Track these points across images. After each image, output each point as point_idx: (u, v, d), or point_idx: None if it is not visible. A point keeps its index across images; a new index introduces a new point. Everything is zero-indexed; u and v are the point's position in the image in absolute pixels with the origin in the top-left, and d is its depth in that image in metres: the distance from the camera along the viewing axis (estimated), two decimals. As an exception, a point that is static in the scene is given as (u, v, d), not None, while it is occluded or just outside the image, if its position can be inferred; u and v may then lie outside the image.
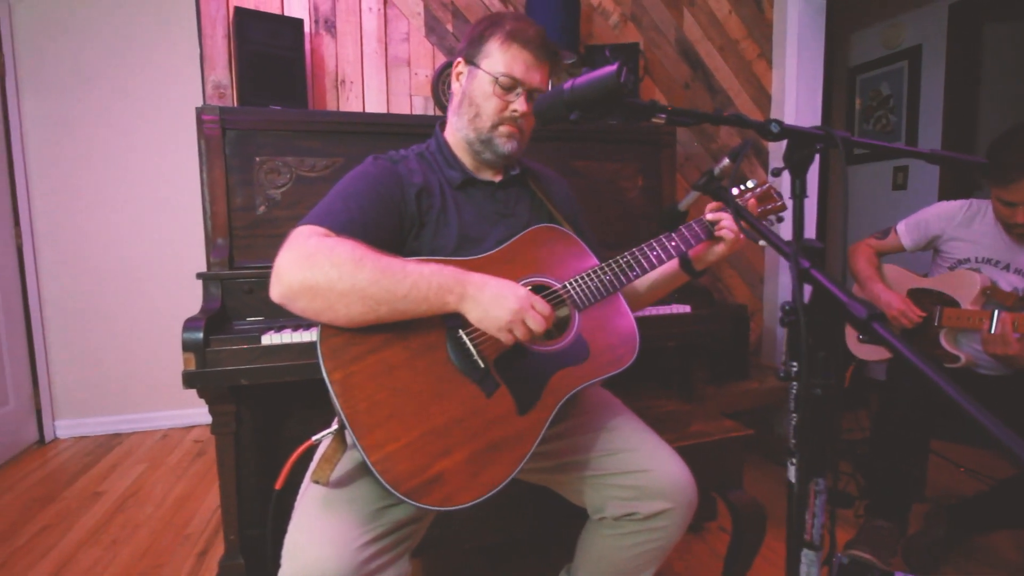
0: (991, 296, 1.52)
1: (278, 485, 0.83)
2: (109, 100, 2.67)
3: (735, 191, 1.10)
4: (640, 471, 0.98)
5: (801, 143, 0.79)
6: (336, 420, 0.88)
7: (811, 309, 0.54)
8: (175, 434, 2.83)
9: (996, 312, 1.43)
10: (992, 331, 1.42)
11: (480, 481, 0.82)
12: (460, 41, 1.10)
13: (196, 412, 2.91)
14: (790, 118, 2.46)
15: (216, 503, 2.10)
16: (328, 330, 0.82)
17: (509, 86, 0.99)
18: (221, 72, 1.94)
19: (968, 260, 1.59)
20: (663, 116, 0.83)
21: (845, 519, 1.83)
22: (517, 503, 1.24)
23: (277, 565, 0.78)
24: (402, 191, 0.98)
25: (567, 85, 0.85)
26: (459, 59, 1.06)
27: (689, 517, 0.99)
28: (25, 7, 2.55)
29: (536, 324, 0.84)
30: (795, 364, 0.66)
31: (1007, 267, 1.54)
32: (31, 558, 1.76)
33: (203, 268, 2.72)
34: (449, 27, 2.11)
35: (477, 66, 1.01)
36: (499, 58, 0.99)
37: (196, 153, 2.72)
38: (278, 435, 1.67)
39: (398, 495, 0.77)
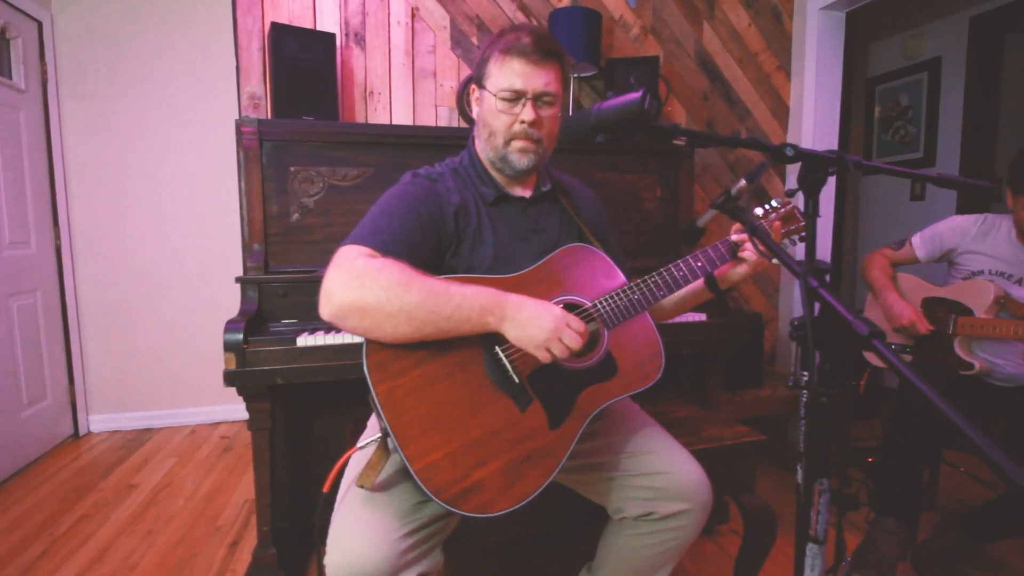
0: (1004, 305, 1.55)
1: (326, 488, 0.89)
2: (146, 107, 2.78)
3: (760, 211, 1.12)
4: (659, 473, 1.03)
5: (814, 166, 0.84)
6: (377, 427, 0.93)
7: (819, 324, 0.59)
8: (202, 430, 2.93)
9: None
10: None
11: (514, 492, 0.87)
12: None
13: (222, 409, 3.01)
14: (808, 130, 2.49)
15: (244, 497, 2.18)
16: (373, 345, 0.87)
17: (512, 98, 1.01)
18: (256, 83, 2.02)
19: (982, 272, 1.62)
20: (684, 139, 0.89)
21: (855, 524, 1.86)
22: (540, 502, 1.29)
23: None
24: (441, 210, 1.02)
25: (594, 109, 0.90)
26: (473, 85, 1.10)
27: (705, 518, 1.04)
28: (66, 18, 2.67)
29: (572, 342, 0.89)
30: (805, 374, 0.72)
31: (1020, 281, 1.56)
32: (71, 546, 1.85)
33: (234, 271, 2.84)
34: (474, 40, 2.18)
35: (484, 87, 1.05)
36: (498, 74, 1.02)
37: (228, 159, 2.84)
38: (307, 433, 1.75)
39: (438, 502, 0.82)
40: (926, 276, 1.79)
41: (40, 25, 2.58)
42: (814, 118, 2.48)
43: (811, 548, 0.62)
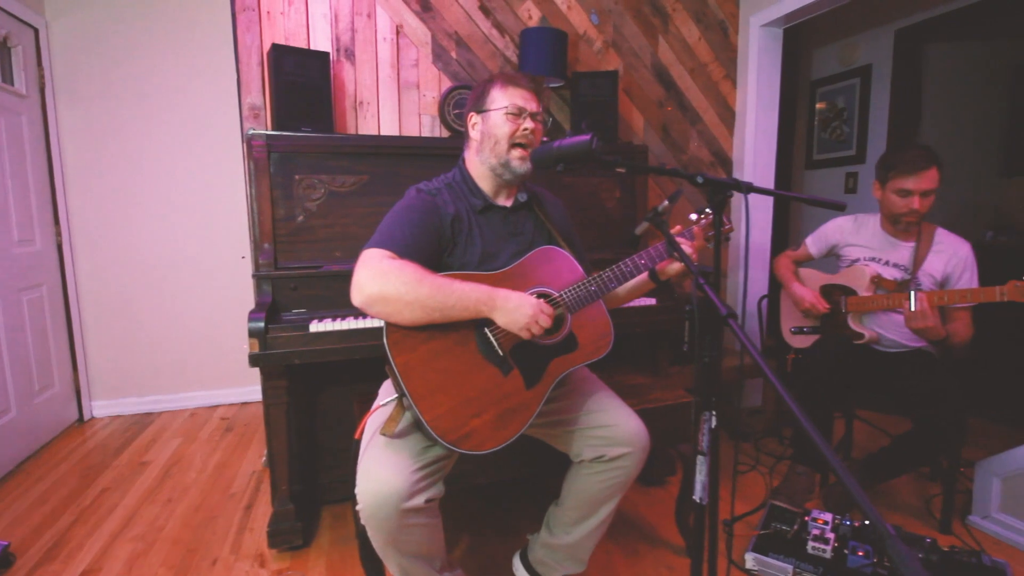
0: (879, 283, 1.92)
1: (357, 435, 1.17)
2: (140, 109, 2.94)
3: (694, 216, 1.41)
4: (608, 425, 1.32)
5: (718, 189, 1.12)
6: (391, 391, 1.20)
7: (702, 307, 0.88)
8: (202, 413, 3.14)
9: (913, 293, 1.76)
10: (913, 308, 1.75)
11: (500, 435, 1.16)
12: (467, 104, 1.41)
13: (220, 393, 3.23)
14: (751, 131, 2.79)
15: (251, 468, 2.42)
16: (391, 327, 1.14)
17: (517, 112, 1.31)
18: (255, 95, 2.22)
19: (859, 260, 1.99)
20: (623, 169, 1.17)
21: (782, 473, 2.22)
22: (518, 452, 1.56)
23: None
24: (440, 219, 1.29)
25: (555, 144, 1.18)
26: (471, 114, 1.37)
27: (644, 459, 1.34)
28: (60, 24, 2.80)
29: (546, 323, 1.17)
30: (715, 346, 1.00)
31: (886, 262, 1.93)
32: (100, 514, 2.07)
33: (227, 264, 3.08)
34: (453, 54, 2.42)
35: (487, 111, 1.33)
36: (503, 97, 1.32)
37: (221, 159, 3.02)
38: (313, 409, 2.00)
39: (444, 443, 1.10)
40: (821, 269, 2.15)
41: (36, 32, 2.71)
42: (756, 122, 2.78)
43: (699, 459, 0.91)
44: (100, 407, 3.08)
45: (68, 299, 2.91)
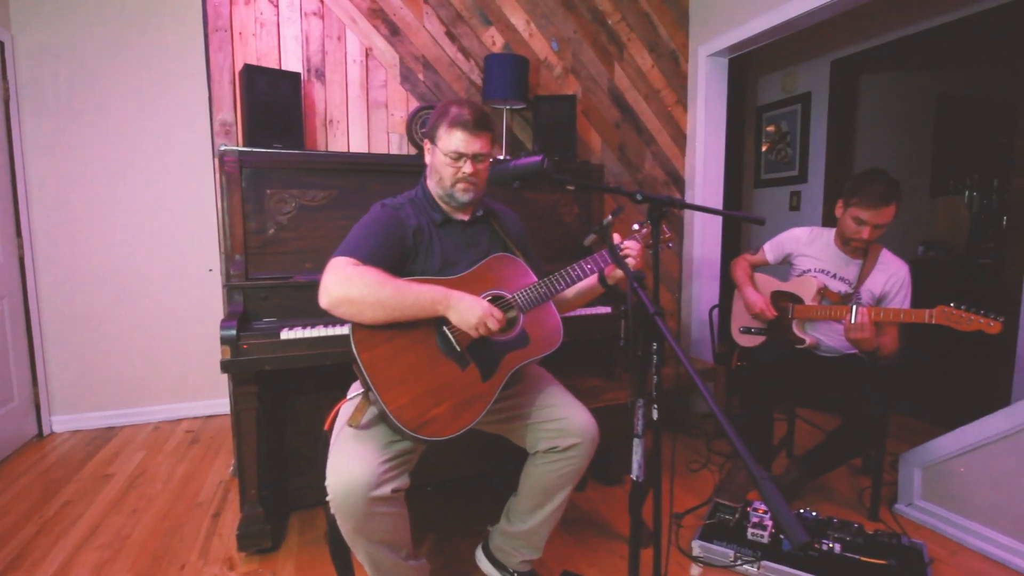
0: (824, 295, 2.10)
1: (326, 427, 1.25)
2: (105, 123, 2.95)
3: (636, 226, 1.55)
4: (560, 418, 1.43)
5: (656, 206, 1.26)
6: (359, 385, 1.29)
7: (636, 308, 1.01)
8: (166, 426, 3.13)
9: (855, 307, 1.92)
10: (853, 321, 1.90)
11: (458, 423, 1.26)
12: (427, 127, 1.52)
13: (185, 406, 3.22)
14: (700, 152, 2.99)
15: (219, 478, 2.45)
16: (357, 327, 1.23)
17: (456, 158, 1.39)
18: (227, 111, 2.30)
19: (810, 270, 2.16)
20: (572, 186, 1.30)
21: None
22: (479, 450, 1.64)
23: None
24: (402, 231, 1.40)
25: (511, 163, 1.30)
26: (426, 140, 1.48)
27: (593, 450, 1.45)
28: (27, 38, 2.81)
29: (493, 325, 1.28)
30: (655, 344, 1.13)
31: (835, 275, 2.11)
32: (63, 524, 2.07)
33: (192, 277, 3.11)
34: (420, 76, 2.54)
35: (436, 145, 1.44)
36: (447, 139, 1.39)
37: (185, 173, 3.06)
38: (283, 415, 2.05)
39: (406, 431, 1.19)
40: (776, 276, 2.32)
41: (2, 45, 2.72)
42: (705, 143, 2.98)
43: (635, 441, 1.03)
44: (60, 422, 3.03)
45: (29, 313, 2.89)
